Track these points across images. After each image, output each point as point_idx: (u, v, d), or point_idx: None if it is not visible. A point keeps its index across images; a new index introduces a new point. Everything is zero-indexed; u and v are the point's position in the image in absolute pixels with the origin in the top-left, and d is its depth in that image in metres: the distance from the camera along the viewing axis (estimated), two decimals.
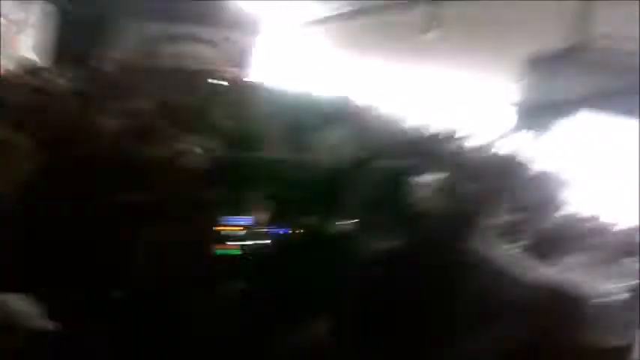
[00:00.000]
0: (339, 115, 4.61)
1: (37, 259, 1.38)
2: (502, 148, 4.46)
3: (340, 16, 7.35)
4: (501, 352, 0.82)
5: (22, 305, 1.15)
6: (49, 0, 7.09)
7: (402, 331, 0.94)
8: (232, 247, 1.62)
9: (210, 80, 7.33)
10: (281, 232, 1.64)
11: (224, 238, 1.66)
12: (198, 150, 1.94)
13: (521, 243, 1.65)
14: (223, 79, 7.83)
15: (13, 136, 2.11)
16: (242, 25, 9.07)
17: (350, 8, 6.86)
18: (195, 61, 9.28)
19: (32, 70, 5.94)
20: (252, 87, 7.26)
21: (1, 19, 6.06)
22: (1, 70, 5.60)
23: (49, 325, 1.15)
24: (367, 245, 1.20)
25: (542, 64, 3.59)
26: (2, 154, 1.84)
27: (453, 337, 0.88)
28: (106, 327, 1.31)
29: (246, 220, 1.69)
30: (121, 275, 1.46)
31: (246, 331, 1.30)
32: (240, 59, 10.07)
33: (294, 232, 1.63)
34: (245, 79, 8.49)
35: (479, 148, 4.11)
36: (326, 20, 8.18)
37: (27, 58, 6.82)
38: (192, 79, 7.55)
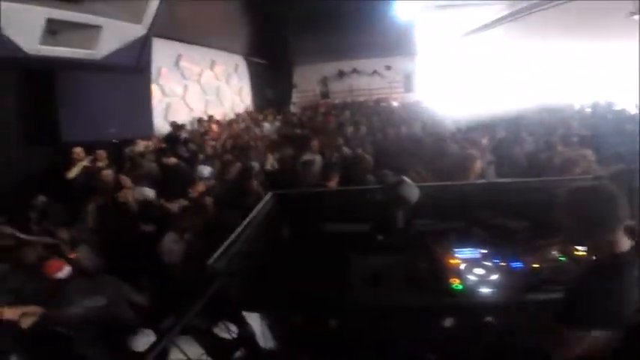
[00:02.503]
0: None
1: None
2: None
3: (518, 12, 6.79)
4: None
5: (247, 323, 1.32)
6: (245, 53, 8.54)
7: None
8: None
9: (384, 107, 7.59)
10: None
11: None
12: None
13: None
14: (394, 105, 8.03)
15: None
16: (401, 51, 9.22)
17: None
18: (365, 93, 9.97)
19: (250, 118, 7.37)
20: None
21: (216, 68, 7.46)
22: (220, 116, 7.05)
23: (271, 343, 1.29)
24: None
25: None
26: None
27: None
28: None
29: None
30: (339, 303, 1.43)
31: None
32: (405, 84, 10.30)
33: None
34: (416, 102, 8.51)
35: None
36: (491, 25, 7.57)
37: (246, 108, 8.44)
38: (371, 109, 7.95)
